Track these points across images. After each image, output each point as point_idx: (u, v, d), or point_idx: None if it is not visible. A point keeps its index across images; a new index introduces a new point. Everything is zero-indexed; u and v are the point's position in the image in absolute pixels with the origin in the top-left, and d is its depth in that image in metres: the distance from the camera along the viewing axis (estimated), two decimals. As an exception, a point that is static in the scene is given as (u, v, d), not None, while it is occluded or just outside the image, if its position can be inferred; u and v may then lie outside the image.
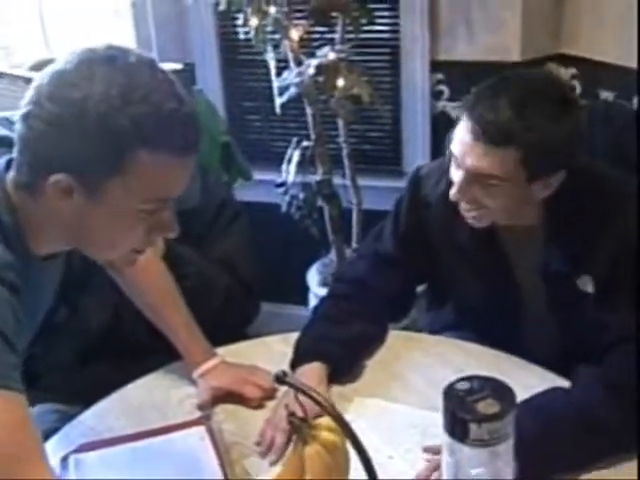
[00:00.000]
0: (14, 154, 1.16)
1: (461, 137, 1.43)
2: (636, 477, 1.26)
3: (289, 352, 1.60)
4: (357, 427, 1.04)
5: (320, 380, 1.53)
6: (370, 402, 1.53)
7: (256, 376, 1.58)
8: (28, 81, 1.58)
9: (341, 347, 1.59)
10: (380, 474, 1.03)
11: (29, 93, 1.13)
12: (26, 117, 1.11)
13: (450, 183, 1.50)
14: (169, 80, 1.14)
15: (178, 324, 1.62)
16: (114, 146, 1.09)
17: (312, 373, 1.53)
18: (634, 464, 1.29)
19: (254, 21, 2.37)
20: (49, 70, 1.12)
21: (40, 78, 1.13)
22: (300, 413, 1.15)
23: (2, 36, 3.13)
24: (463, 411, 1.06)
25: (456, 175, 1.47)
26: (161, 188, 1.15)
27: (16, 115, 1.15)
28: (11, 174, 1.18)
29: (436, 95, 2.80)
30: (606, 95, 2.53)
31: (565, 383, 1.47)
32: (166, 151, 1.11)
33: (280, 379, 1.10)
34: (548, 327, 1.61)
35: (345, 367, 1.60)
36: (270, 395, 1.56)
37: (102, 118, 1.07)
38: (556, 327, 1.61)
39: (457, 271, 1.69)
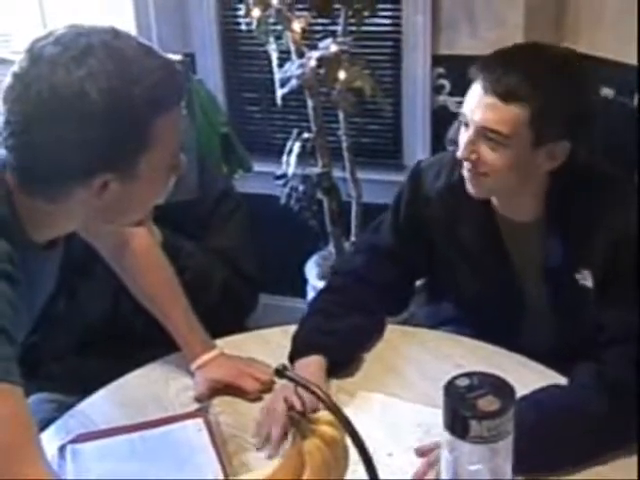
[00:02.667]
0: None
1: (472, 94, 1.47)
2: (635, 474, 1.26)
3: (288, 345, 1.60)
4: (360, 422, 1.04)
5: (319, 373, 1.52)
6: (375, 397, 1.53)
7: (254, 368, 1.58)
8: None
9: (339, 340, 1.59)
10: (379, 471, 1.02)
11: (15, 92, 1.08)
12: (31, 123, 1.07)
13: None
14: (138, 41, 1.14)
15: (177, 315, 1.62)
16: (136, 129, 1.10)
17: (311, 366, 1.53)
18: (633, 461, 1.30)
19: (256, 12, 2.36)
20: (30, 71, 1.07)
21: (20, 77, 1.08)
22: (299, 407, 1.15)
23: (1, 23, 3.11)
24: (463, 408, 1.06)
25: (464, 136, 1.50)
26: (177, 137, 1.19)
27: None
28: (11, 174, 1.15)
29: (437, 89, 2.79)
30: (606, 92, 2.52)
31: (564, 381, 1.47)
32: (174, 107, 1.16)
33: (280, 373, 1.10)
34: (547, 323, 1.62)
35: (343, 360, 1.60)
36: (268, 387, 1.55)
37: (117, 108, 1.07)
38: (555, 323, 1.62)
39: (456, 266, 1.69)
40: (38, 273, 1.28)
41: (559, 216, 1.51)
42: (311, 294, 2.79)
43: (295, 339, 1.61)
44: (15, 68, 1.09)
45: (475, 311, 1.73)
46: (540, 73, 1.43)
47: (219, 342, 1.66)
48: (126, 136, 1.10)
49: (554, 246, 1.53)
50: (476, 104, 1.46)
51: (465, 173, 1.53)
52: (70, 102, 1.05)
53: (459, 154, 1.51)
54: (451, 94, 2.77)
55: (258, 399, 1.54)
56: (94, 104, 1.05)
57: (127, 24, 2.95)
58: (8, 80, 1.09)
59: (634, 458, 1.30)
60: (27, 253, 1.18)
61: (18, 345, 1.11)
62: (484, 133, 1.45)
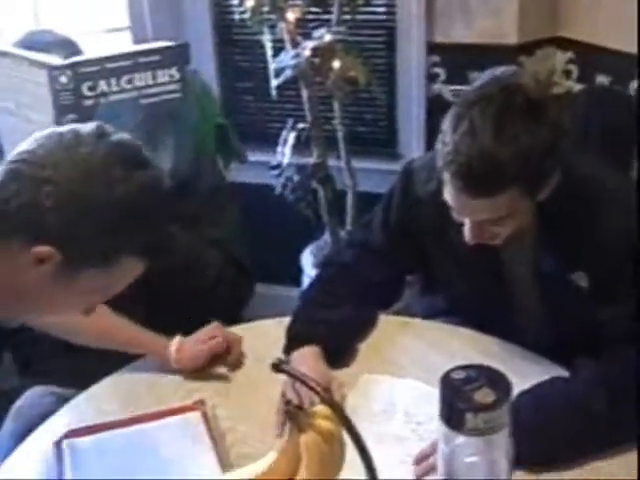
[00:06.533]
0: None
1: (452, 193, 1.39)
2: (635, 474, 1.26)
3: (284, 336, 1.61)
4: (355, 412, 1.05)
5: (318, 362, 1.53)
6: (372, 380, 1.55)
7: (214, 330, 1.63)
8: (33, 63, 1.57)
9: (332, 330, 1.60)
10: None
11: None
12: (43, 181, 1.04)
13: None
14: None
15: (127, 332, 1.63)
16: (114, 242, 1.09)
17: (308, 357, 1.54)
18: (633, 457, 1.29)
19: (250, 2, 2.35)
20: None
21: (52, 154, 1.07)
22: (296, 401, 1.15)
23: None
24: (460, 400, 1.07)
25: (465, 224, 1.46)
26: (117, 289, 1.17)
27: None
28: None
29: (432, 77, 2.78)
30: (602, 79, 2.52)
31: (560, 371, 1.48)
32: (141, 258, 1.14)
33: (277, 367, 1.10)
34: (540, 323, 1.61)
35: (337, 349, 1.60)
36: (235, 343, 1.63)
37: (127, 215, 1.08)
38: (548, 323, 1.60)
39: (447, 268, 1.68)
40: None
41: (551, 220, 1.48)
42: (307, 283, 2.79)
43: (289, 331, 1.62)
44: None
45: (466, 311, 1.74)
46: (510, 146, 1.30)
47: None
48: (100, 240, 1.08)
49: (547, 250, 1.51)
50: (463, 206, 1.40)
51: None
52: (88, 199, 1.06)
53: (468, 240, 1.46)
54: (446, 82, 2.76)
55: (238, 366, 1.62)
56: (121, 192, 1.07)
57: (120, 13, 2.94)
58: None
59: (634, 455, 1.30)
60: None
61: None
62: (484, 222, 1.43)
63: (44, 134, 1.09)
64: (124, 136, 1.12)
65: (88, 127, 1.10)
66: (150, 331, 1.63)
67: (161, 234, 1.17)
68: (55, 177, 1.04)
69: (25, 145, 1.08)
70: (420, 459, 1.32)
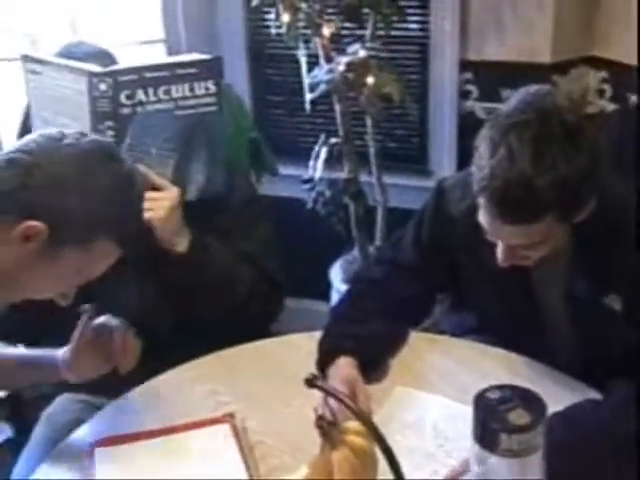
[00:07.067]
0: None
1: (488, 219, 1.39)
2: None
3: (315, 350, 1.60)
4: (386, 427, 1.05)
5: (354, 372, 1.53)
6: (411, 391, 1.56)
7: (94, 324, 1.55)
8: (73, 70, 1.59)
9: (361, 345, 1.59)
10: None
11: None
12: (33, 166, 1.20)
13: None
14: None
15: (11, 362, 1.56)
16: (94, 224, 1.23)
17: (344, 368, 1.53)
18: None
19: (286, 17, 2.37)
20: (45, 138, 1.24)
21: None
22: (329, 416, 1.15)
23: (27, 24, 3.12)
24: (494, 421, 1.06)
25: (498, 247, 1.45)
26: (94, 270, 1.31)
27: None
28: None
29: (464, 94, 2.78)
30: (634, 99, 2.51)
31: (591, 393, 1.47)
32: (116, 243, 1.29)
33: (311, 382, 1.10)
34: (572, 345, 1.60)
35: (367, 365, 1.59)
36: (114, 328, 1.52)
37: (105, 201, 1.23)
38: (581, 345, 1.59)
39: (478, 287, 1.68)
40: None
41: (585, 243, 1.47)
42: (335, 297, 2.79)
43: (320, 346, 1.62)
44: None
45: (497, 330, 1.73)
46: (552, 175, 1.28)
47: (249, 347, 1.68)
48: (88, 217, 1.22)
49: (580, 272, 1.50)
50: (497, 231, 1.40)
51: None
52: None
53: (500, 263, 1.45)
54: (478, 100, 2.76)
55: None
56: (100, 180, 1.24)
57: (155, 27, 2.97)
58: None
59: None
60: None
61: None
62: (516, 246, 1.42)
63: (33, 133, 1.27)
64: (101, 138, 1.34)
65: (71, 130, 1.28)
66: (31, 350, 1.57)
67: (134, 223, 1.32)
68: (44, 162, 1.20)
69: (19, 142, 1.24)
70: (451, 477, 1.32)
